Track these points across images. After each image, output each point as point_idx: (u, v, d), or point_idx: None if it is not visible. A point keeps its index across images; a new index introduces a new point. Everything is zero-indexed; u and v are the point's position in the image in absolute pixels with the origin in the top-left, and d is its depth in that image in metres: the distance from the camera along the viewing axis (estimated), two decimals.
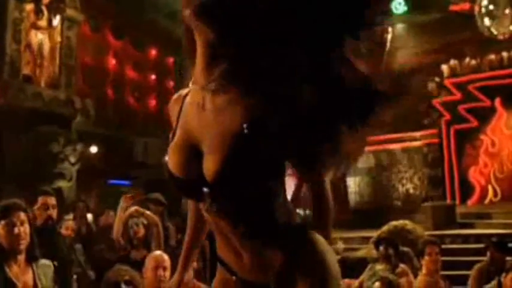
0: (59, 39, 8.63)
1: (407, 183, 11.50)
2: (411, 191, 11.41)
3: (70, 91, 8.55)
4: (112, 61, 10.94)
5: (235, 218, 1.26)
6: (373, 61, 1.39)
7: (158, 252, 3.84)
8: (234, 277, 1.42)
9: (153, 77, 12.26)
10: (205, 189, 1.21)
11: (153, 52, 12.21)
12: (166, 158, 1.33)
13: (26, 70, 8.03)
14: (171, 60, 12.81)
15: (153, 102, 12.14)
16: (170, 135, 1.33)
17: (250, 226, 1.27)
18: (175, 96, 1.42)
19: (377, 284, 2.76)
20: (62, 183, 7.67)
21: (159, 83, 12.43)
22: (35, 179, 7.29)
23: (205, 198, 1.22)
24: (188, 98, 1.29)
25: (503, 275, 3.27)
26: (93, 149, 9.28)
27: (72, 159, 7.89)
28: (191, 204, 1.53)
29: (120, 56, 11.19)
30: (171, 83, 12.78)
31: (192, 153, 1.23)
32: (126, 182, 10.62)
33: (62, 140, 7.77)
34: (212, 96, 1.20)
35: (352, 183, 12.07)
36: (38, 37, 8.17)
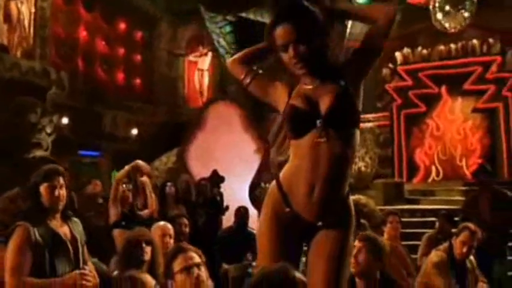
0: (33, 9, 8.70)
1: (360, 161, 12.28)
2: (363, 168, 12.23)
3: (45, 62, 8.68)
4: (83, 33, 11.01)
5: (336, 140, 1.94)
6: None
7: (162, 222, 4.28)
8: (288, 209, 1.98)
9: (122, 50, 12.38)
10: (318, 121, 1.93)
11: (122, 26, 12.31)
12: (292, 102, 2.03)
13: (1, 40, 8.10)
14: (139, 34, 12.97)
15: (121, 76, 12.30)
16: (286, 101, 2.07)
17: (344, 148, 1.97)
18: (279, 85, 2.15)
19: (356, 242, 3.11)
20: (38, 153, 7.89)
21: (127, 57, 12.59)
22: (13, 148, 7.51)
23: (318, 125, 1.93)
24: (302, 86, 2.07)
25: (454, 237, 3.99)
26: (65, 120, 9.47)
27: (49, 130, 8.10)
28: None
29: (90, 29, 11.26)
30: (139, 57, 12.96)
31: (313, 102, 1.98)
32: (95, 153, 10.87)
33: (39, 111, 7.95)
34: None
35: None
36: (17, 7, 8.22)
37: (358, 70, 2.02)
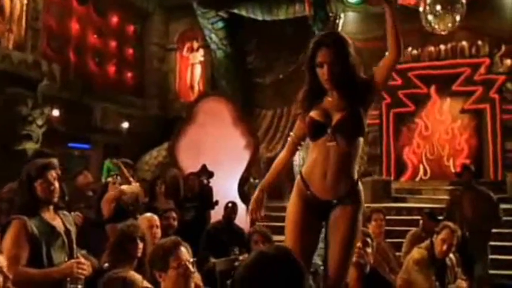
0: (25, 1, 8.67)
1: None
2: None
3: (36, 54, 8.66)
4: (75, 26, 10.98)
5: (343, 144, 2.48)
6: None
7: (149, 214, 4.34)
8: (308, 192, 2.54)
9: (114, 43, 12.36)
10: (329, 129, 2.48)
11: (115, 19, 12.28)
12: (311, 115, 2.56)
13: None
14: (131, 28, 12.95)
15: (112, 69, 12.28)
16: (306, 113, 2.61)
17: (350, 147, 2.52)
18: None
19: None
20: (29, 145, 7.89)
21: (119, 51, 12.57)
22: (4, 140, 7.53)
23: (329, 133, 2.49)
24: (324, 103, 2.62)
25: (435, 236, 4.10)
26: (55, 112, 9.47)
27: (40, 122, 8.10)
28: (281, 157, 2.74)
29: (83, 22, 11.23)
30: (130, 51, 12.95)
31: (328, 115, 2.53)
32: (85, 146, 10.87)
33: (30, 103, 7.95)
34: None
35: (297, 156, 12.86)
36: None
37: (367, 101, 2.56)
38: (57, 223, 2.97)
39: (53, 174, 2.98)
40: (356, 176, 2.57)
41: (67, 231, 2.97)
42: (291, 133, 2.77)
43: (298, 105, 2.65)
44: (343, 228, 2.49)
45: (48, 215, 2.94)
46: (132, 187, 5.10)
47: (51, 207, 2.99)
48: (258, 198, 2.70)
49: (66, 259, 2.87)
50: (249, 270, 1.40)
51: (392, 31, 2.46)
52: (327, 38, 2.54)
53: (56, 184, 2.98)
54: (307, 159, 2.63)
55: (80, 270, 2.77)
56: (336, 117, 2.50)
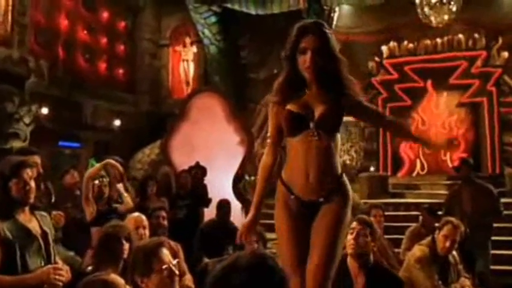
0: None
1: (345, 154, 12.25)
2: (348, 162, 12.20)
3: (23, 50, 8.44)
4: (64, 22, 10.73)
5: (325, 138, 2.38)
6: None
7: (136, 213, 4.13)
8: (292, 196, 2.40)
9: (104, 40, 12.12)
10: (311, 123, 2.35)
11: (105, 15, 12.05)
12: (289, 108, 2.41)
13: None
14: (122, 24, 12.72)
15: (103, 65, 12.05)
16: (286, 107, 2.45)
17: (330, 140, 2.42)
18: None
19: (354, 223, 3.23)
20: (16, 143, 7.67)
21: (110, 47, 12.33)
22: None
23: (311, 127, 2.36)
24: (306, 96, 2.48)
25: (437, 232, 3.92)
26: (44, 110, 9.24)
27: (27, 120, 7.88)
28: (266, 164, 2.55)
29: (72, 17, 10.99)
30: (122, 47, 12.72)
31: (309, 108, 2.39)
32: (76, 144, 10.66)
33: (16, 100, 7.73)
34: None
35: None
36: None
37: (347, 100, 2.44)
38: (33, 225, 2.79)
39: (28, 172, 2.80)
40: (340, 170, 2.44)
41: (44, 234, 2.79)
42: (267, 134, 2.62)
43: (274, 94, 2.47)
44: (327, 227, 2.35)
45: (24, 217, 2.77)
46: (97, 166, 4.86)
47: (27, 208, 2.81)
48: (249, 225, 2.52)
49: (43, 264, 2.68)
50: (219, 276, 1.34)
51: (407, 138, 2.71)
52: (314, 25, 2.41)
53: (32, 184, 2.79)
54: (286, 159, 2.51)
55: (57, 276, 2.60)
56: (318, 110, 2.38)
